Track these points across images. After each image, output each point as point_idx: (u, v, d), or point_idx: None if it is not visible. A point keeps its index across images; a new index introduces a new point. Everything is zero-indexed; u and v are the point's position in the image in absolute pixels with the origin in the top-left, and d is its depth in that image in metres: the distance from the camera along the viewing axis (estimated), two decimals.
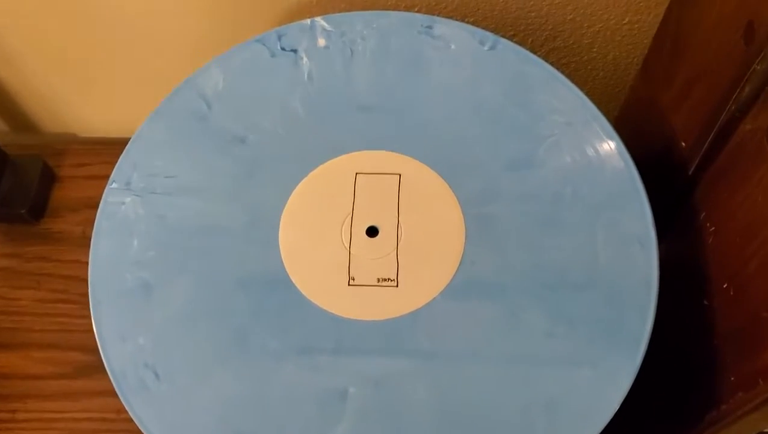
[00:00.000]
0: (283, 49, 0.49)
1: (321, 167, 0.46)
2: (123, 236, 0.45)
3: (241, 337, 0.42)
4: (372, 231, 0.45)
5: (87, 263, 0.44)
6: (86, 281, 0.43)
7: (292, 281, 0.44)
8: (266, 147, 0.47)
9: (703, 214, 0.46)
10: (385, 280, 0.44)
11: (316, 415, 0.40)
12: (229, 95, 0.49)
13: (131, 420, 0.41)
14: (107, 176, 0.46)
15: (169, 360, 0.42)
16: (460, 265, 0.44)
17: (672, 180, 0.50)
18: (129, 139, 0.47)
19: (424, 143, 0.47)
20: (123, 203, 0.46)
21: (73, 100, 0.69)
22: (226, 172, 0.47)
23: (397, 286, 0.43)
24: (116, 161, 0.46)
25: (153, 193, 0.46)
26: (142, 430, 0.40)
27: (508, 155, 0.46)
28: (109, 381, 0.40)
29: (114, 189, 0.46)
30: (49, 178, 0.67)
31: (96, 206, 0.45)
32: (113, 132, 0.70)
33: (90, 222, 0.45)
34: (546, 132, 0.47)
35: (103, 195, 0.46)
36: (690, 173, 0.48)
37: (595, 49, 0.61)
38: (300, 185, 0.46)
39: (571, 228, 0.45)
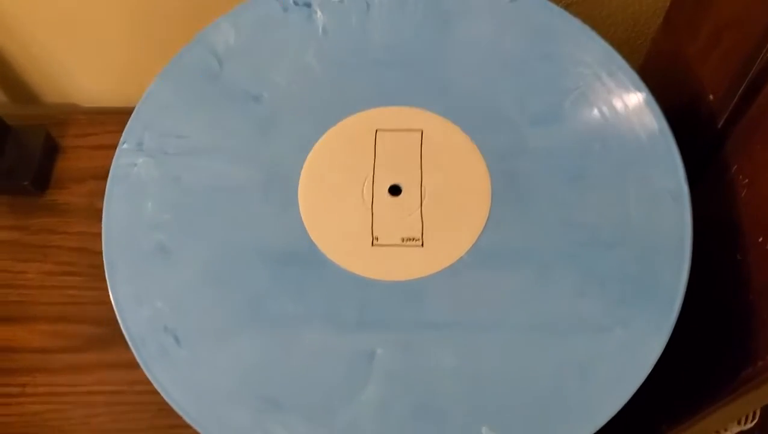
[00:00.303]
0: (295, 3, 0.47)
1: (339, 124, 0.45)
2: (137, 199, 0.43)
3: (263, 300, 0.41)
4: (395, 190, 0.43)
5: (95, 234, 0.42)
6: (94, 253, 0.42)
7: (313, 242, 0.42)
8: (281, 105, 0.45)
9: (735, 167, 0.45)
10: (410, 240, 0.42)
11: (342, 378, 0.39)
12: (241, 52, 0.47)
13: (144, 392, 0.39)
14: (112, 146, 0.44)
15: (189, 324, 0.40)
16: (486, 223, 0.42)
17: (700, 134, 0.48)
18: (133, 108, 0.45)
19: (446, 98, 0.45)
20: (135, 165, 0.44)
21: (74, 69, 0.67)
22: (240, 131, 0.45)
23: (422, 246, 0.42)
24: (121, 130, 0.44)
25: (166, 154, 0.44)
26: (165, 397, 0.38)
27: (533, 109, 0.45)
28: (120, 353, 0.39)
29: (125, 150, 0.44)
30: (52, 149, 0.65)
31: (102, 177, 0.43)
32: (117, 102, 0.68)
33: (96, 193, 0.43)
34: (571, 85, 0.45)
35: (115, 156, 0.44)
36: (719, 126, 0.47)
37: (614, 3, 0.59)
38: (318, 143, 0.44)
39: (601, 183, 0.43)
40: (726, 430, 0.50)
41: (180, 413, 0.38)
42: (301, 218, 0.43)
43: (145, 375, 0.39)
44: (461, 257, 0.42)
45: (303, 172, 0.43)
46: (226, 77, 0.46)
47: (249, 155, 0.44)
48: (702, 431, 0.49)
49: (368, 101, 0.45)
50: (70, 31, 0.63)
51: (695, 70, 0.51)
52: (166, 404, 0.38)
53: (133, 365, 0.39)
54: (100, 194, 0.43)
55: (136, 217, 0.43)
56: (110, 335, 0.40)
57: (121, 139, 0.45)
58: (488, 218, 0.42)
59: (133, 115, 0.45)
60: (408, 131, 0.44)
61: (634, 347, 0.40)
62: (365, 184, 0.43)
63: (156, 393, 0.39)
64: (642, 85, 0.45)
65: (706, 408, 0.45)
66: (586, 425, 0.38)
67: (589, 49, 0.46)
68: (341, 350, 0.40)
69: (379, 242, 0.42)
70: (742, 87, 0.43)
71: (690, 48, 0.52)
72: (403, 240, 0.42)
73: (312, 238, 0.42)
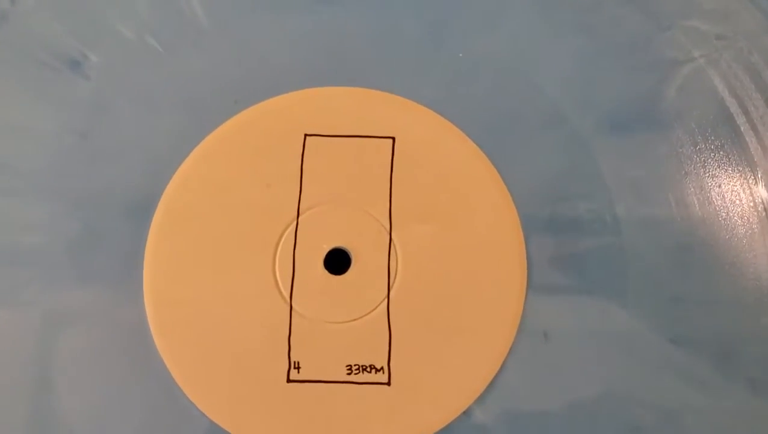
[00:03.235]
0: None
1: (233, 121, 0.21)
2: None
3: None
4: (338, 260, 0.20)
5: None
6: None
7: (172, 379, 0.18)
8: (124, 79, 0.21)
9: None
10: (366, 370, 0.19)
11: None
12: None
13: None
14: None
15: None
16: (517, 336, 0.19)
17: None
18: None
19: (441, 75, 0.21)
20: None
21: None
22: (40, 131, 0.20)
23: (389, 383, 0.18)
24: None
25: None
26: None
27: (607, 101, 0.21)
28: None
29: None
30: None
31: None
32: None
33: None
34: (680, 55, 0.21)
35: None
36: None
37: None
38: (189, 159, 0.20)
39: (746, 262, 0.20)
40: None
41: None
42: (146, 318, 0.19)
43: None
44: (468, 409, 0.18)
45: (156, 219, 0.19)
46: (21, 22, 0.22)
47: (53, 183, 0.20)
48: None
49: (292, 77, 0.21)
50: None
51: None
52: None
53: None
54: None
55: None
56: None
57: None
58: (521, 326, 0.19)
59: None
60: (368, 138, 0.20)
61: None
62: (280, 247, 0.19)
63: None
64: None
65: None
66: None
67: None
68: None
69: (302, 375, 0.18)
70: None
71: None
72: (350, 371, 0.19)
73: (169, 369, 0.18)
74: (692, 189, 0.21)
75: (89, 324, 0.20)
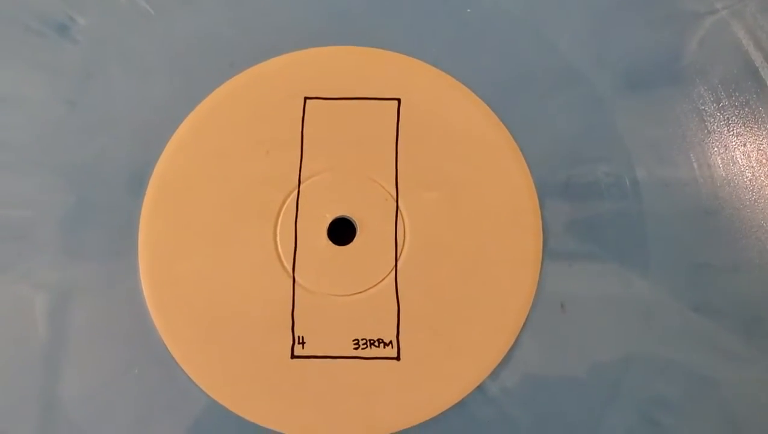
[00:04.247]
0: None
1: (229, 84, 0.19)
2: None
3: None
4: (342, 230, 0.18)
5: None
6: None
7: (167, 350, 0.17)
8: (114, 42, 0.19)
9: None
10: (374, 344, 0.18)
11: None
12: None
13: None
14: None
15: None
16: (534, 302, 0.18)
17: None
18: None
19: (449, 32, 0.20)
20: None
21: None
22: (26, 99, 0.19)
23: (398, 358, 0.17)
24: None
25: None
26: None
27: (624, 57, 0.19)
28: None
29: None
30: None
31: None
32: None
33: None
34: (701, 6, 0.20)
35: None
36: None
37: None
38: (183, 126, 0.19)
39: None
40: None
41: None
42: (142, 292, 0.18)
43: None
44: (482, 384, 0.17)
45: (150, 191, 0.18)
46: None
47: (41, 154, 0.19)
48: None
49: (290, 37, 0.19)
50: None
51: None
52: None
53: None
54: None
55: None
56: None
57: None
58: (536, 296, 0.18)
59: None
60: (372, 100, 0.19)
61: None
62: (281, 216, 0.18)
63: None
64: None
65: None
66: None
67: None
68: None
69: (307, 350, 0.17)
70: None
71: None
72: (358, 346, 0.17)
73: (167, 346, 0.17)
74: (716, 149, 0.19)
75: (83, 300, 0.19)
